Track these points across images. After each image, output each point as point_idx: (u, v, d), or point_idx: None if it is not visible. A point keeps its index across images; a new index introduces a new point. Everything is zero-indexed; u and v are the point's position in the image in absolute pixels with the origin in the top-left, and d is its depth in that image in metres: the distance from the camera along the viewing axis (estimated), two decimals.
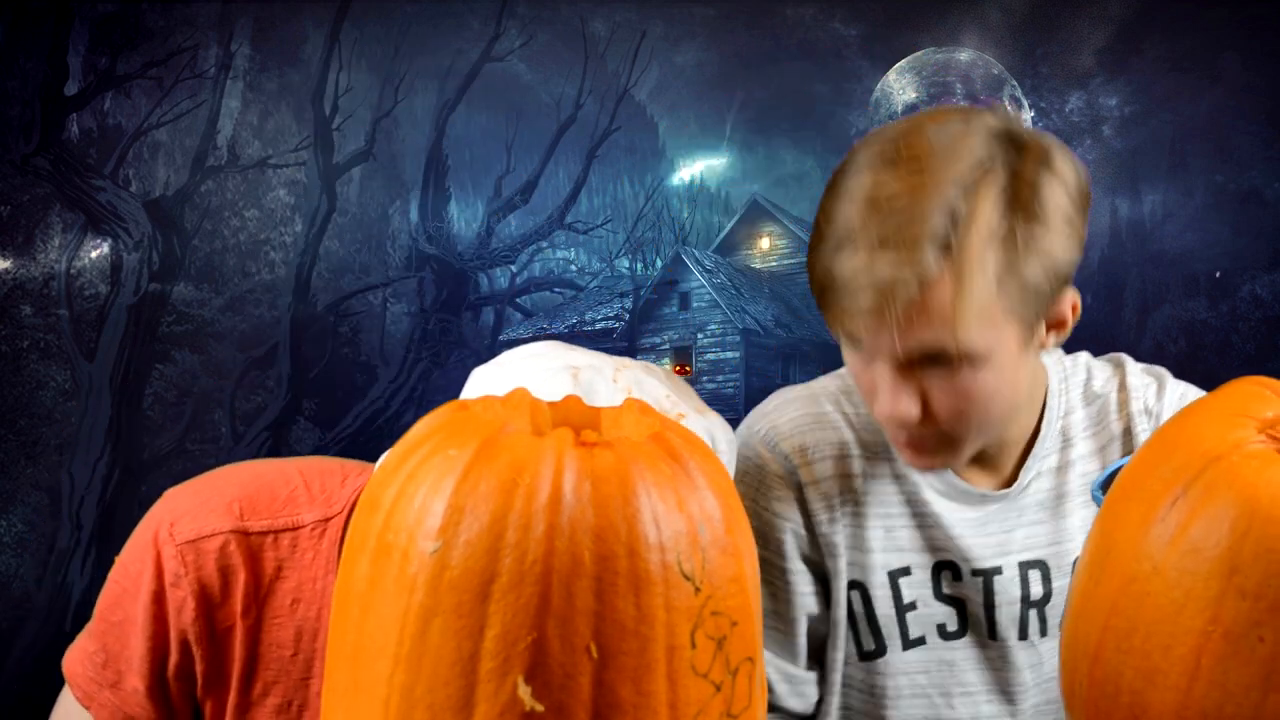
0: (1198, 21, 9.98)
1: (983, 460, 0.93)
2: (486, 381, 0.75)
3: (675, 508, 0.49)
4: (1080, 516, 0.95)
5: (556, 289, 11.06)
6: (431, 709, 0.46)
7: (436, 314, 9.27)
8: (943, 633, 0.94)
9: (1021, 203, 0.77)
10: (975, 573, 0.93)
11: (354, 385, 9.08)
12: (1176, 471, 0.55)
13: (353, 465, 0.91)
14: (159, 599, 0.82)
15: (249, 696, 0.84)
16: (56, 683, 0.88)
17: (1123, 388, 0.97)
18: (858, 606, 0.94)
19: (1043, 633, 0.94)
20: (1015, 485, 0.93)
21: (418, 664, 0.47)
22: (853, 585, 0.94)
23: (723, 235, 12.46)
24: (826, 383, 1.00)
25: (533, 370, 0.73)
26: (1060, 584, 0.94)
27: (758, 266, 12.35)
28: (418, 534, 0.48)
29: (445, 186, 9.75)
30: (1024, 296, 0.78)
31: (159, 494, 0.88)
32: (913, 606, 0.94)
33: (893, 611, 0.94)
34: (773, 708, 0.95)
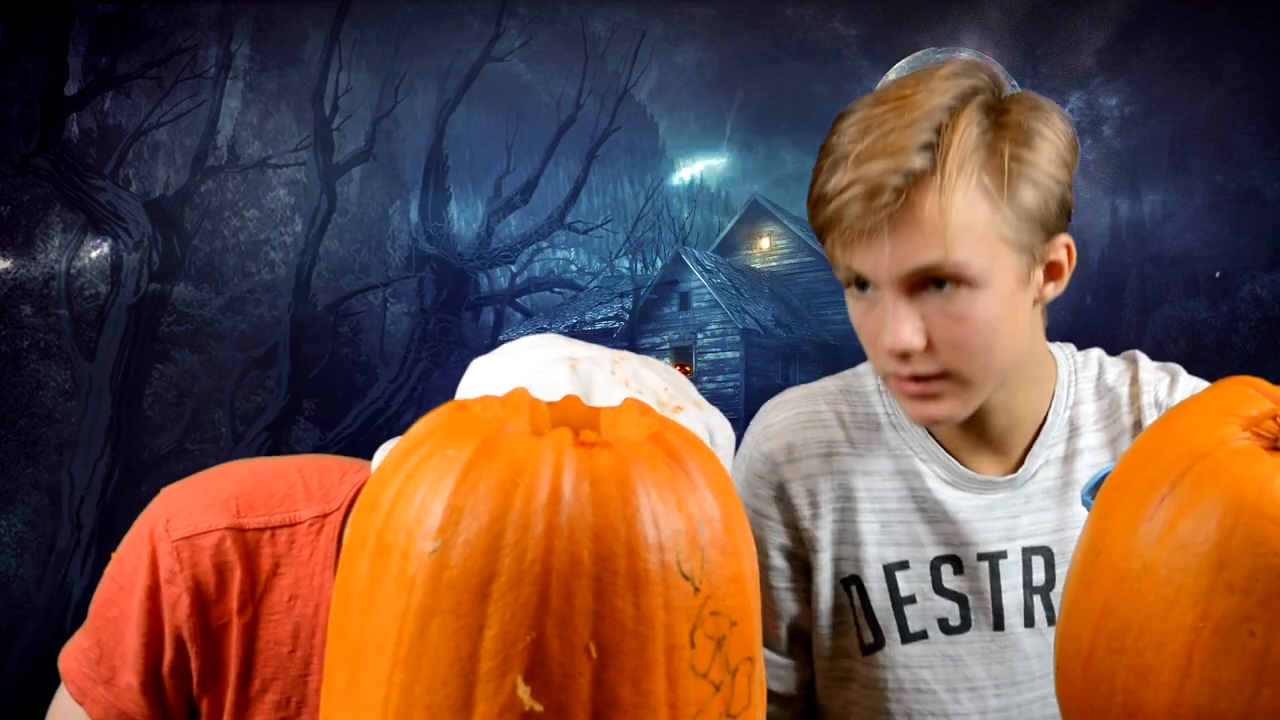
0: (1198, 21, 9.97)
1: (990, 445, 0.94)
2: (486, 372, 0.76)
3: (674, 508, 0.50)
4: None
5: (556, 289, 11.04)
6: (430, 709, 0.47)
7: (436, 314, 9.26)
8: (945, 627, 0.95)
9: (1009, 127, 0.81)
10: (981, 557, 0.94)
11: (354, 385, 9.07)
12: (1163, 470, 0.56)
13: (352, 463, 0.91)
14: (154, 595, 0.82)
15: (247, 694, 0.84)
16: (56, 683, 0.88)
17: (1135, 382, 0.98)
18: (855, 600, 0.96)
19: (1049, 620, 0.94)
20: (1022, 471, 0.94)
21: (416, 664, 0.47)
22: (850, 580, 0.96)
23: (723, 235, 12.45)
24: (827, 383, 1.02)
25: (531, 361, 0.73)
26: (1064, 571, 0.94)
27: (758, 266, 12.34)
28: (417, 534, 0.48)
29: (445, 186, 9.74)
30: (1018, 224, 0.81)
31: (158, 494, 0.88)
32: (911, 600, 0.95)
33: (889, 604, 0.95)
34: None
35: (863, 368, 1.03)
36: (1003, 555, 0.94)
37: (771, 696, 0.98)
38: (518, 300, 10.42)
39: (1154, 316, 10.64)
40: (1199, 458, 0.55)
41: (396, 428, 8.24)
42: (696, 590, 0.49)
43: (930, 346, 0.83)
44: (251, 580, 0.83)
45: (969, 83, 0.82)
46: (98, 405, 7.27)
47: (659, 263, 11.46)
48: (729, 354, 11.12)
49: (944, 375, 0.85)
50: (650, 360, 0.79)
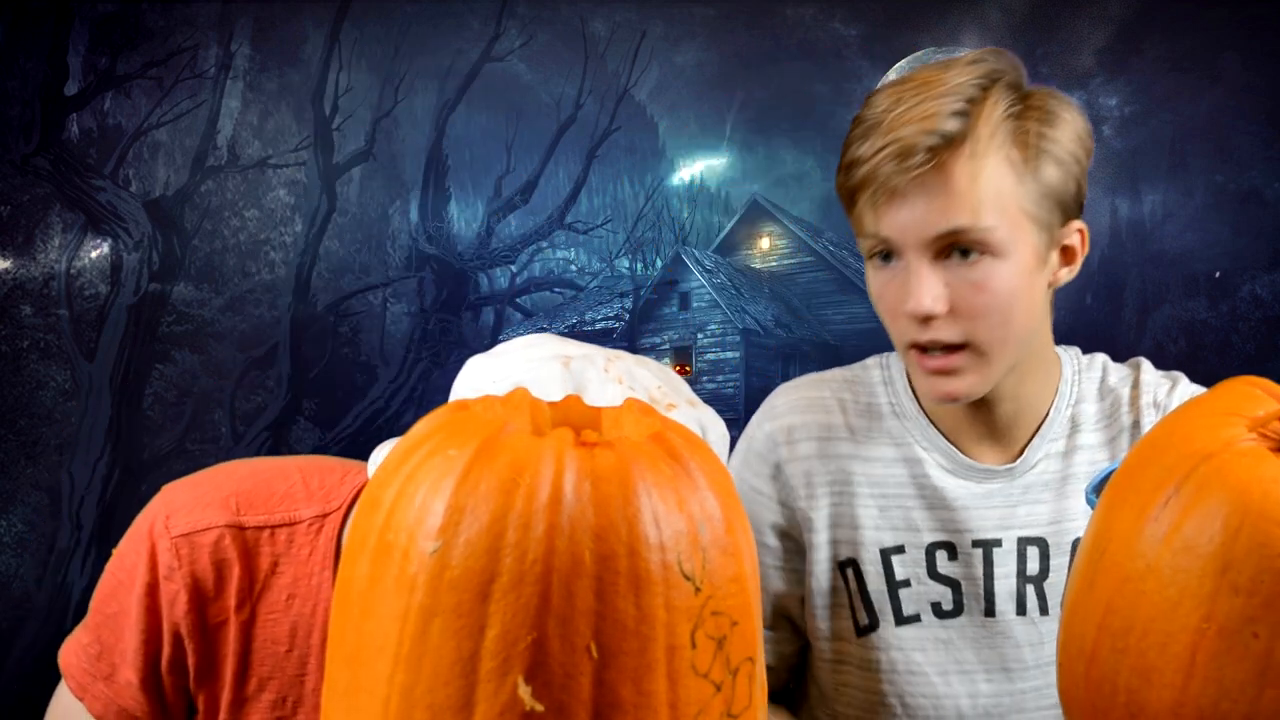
0: (1198, 21, 9.97)
1: (993, 435, 0.97)
2: (480, 371, 0.76)
3: (676, 508, 0.50)
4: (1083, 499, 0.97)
5: (556, 289, 11.05)
6: (431, 709, 0.47)
7: (436, 314, 9.26)
8: (938, 611, 0.97)
9: (1034, 108, 0.86)
10: (976, 543, 0.96)
11: (354, 385, 9.07)
12: (1168, 470, 0.56)
13: (353, 464, 0.91)
14: (152, 592, 0.82)
15: (243, 692, 0.84)
16: (56, 683, 0.88)
17: (1136, 385, 1.00)
18: (851, 583, 0.98)
19: (1042, 610, 0.96)
20: (1021, 462, 0.96)
21: (418, 664, 0.47)
22: (847, 563, 0.98)
23: (723, 235, 12.45)
24: (835, 372, 1.06)
25: (525, 360, 0.74)
26: (1058, 562, 0.96)
27: (758, 266, 12.34)
28: (418, 534, 0.48)
29: (445, 186, 9.74)
30: (1040, 199, 0.85)
31: None
32: (906, 584, 0.97)
33: (884, 587, 0.97)
34: None
35: (870, 360, 1.06)
36: (997, 543, 0.96)
37: None
38: (518, 300, 10.43)
39: (1154, 316, 10.64)
40: (1204, 458, 0.55)
41: (396, 428, 8.24)
42: (698, 590, 0.49)
43: (951, 313, 0.86)
44: (250, 578, 0.83)
45: (996, 66, 0.86)
46: (98, 405, 7.27)
47: (659, 263, 11.46)
48: (729, 354, 11.12)
49: (963, 346, 0.87)
50: (645, 359, 0.79)
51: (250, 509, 0.84)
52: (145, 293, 7.42)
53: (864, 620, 0.97)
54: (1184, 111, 10.39)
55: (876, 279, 0.91)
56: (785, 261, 12.28)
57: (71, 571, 7.03)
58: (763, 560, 1.00)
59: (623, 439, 0.52)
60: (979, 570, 0.96)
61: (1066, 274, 0.93)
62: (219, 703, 0.84)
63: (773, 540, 1.00)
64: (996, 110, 0.84)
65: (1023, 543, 0.96)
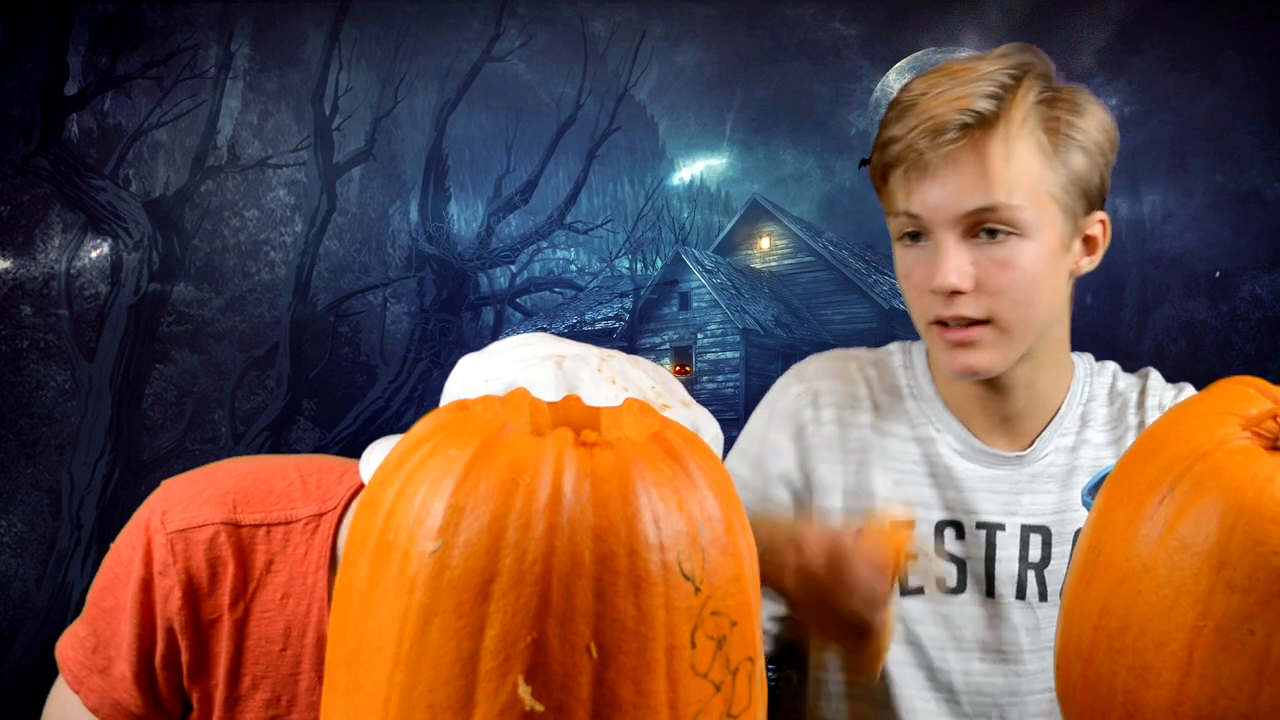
0: (1198, 21, 9.97)
1: (1005, 424, 0.99)
2: (473, 369, 0.76)
3: (675, 508, 0.50)
4: None
5: (556, 289, 11.04)
6: (431, 709, 0.47)
7: (436, 314, 9.26)
8: (941, 587, 0.99)
9: (1063, 100, 0.89)
10: (980, 525, 0.98)
11: (354, 385, 9.07)
12: (1163, 470, 0.56)
13: (352, 464, 0.91)
14: (147, 586, 0.82)
15: (237, 690, 0.84)
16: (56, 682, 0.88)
17: (1143, 391, 1.04)
18: None
19: (1041, 596, 0.98)
20: (1030, 452, 0.99)
21: (418, 664, 0.47)
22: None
23: (723, 235, 12.44)
24: (862, 350, 1.10)
25: (518, 359, 0.74)
26: (1060, 550, 0.99)
27: (758, 266, 12.34)
28: (418, 534, 0.48)
29: (445, 186, 9.74)
30: (1067, 185, 0.89)
31: None
32: (913, 557, 0.98)
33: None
34: None
35: (892, 346, 1.09)
36: (1000, 527, 0.98)
37: None
38: (518, 300, 10.42)
39: (1154, 316, 10.63)
40: (1199, 457, 0.55)
41: (396, 428, 8.23)
42: (697, 590, 0.49)
43: (976, 290, 0.89)
44: (244, 576, 0.83)
45: (1028, 59, 0.90)
46: (98, 405, 7.26)
47: (659, 263, 11.46)
48: (729, 354, 11.12)
49: (985, 322, 0.90)
50: (639, 359, 0.79)
51: (247, 507, 0.84)
52: (145, 293, 7.42)
53: None
54: (1184, 111, 10.39)
55: (905, 257, 0.93)
56: (785, 261, 12.28)
57: (71, 571, 7.03)
58: (770, 513, 1.02)
59: (622, 439, 0.52)
60: (982, 551, 0.98)
61: (1088, 263, 0.95)
62: (213, 700, 0.84)
63: (783, 495, 1.03)
64: (1029, 96, 0.87)
65: (1026, 530, 0.98)
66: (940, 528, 0.99)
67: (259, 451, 8.00)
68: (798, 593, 0.85)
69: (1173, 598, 0.53)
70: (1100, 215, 0.94)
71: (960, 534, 0.99)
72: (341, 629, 0.51)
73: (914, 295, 0.93)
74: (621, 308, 11.23)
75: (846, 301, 11.50)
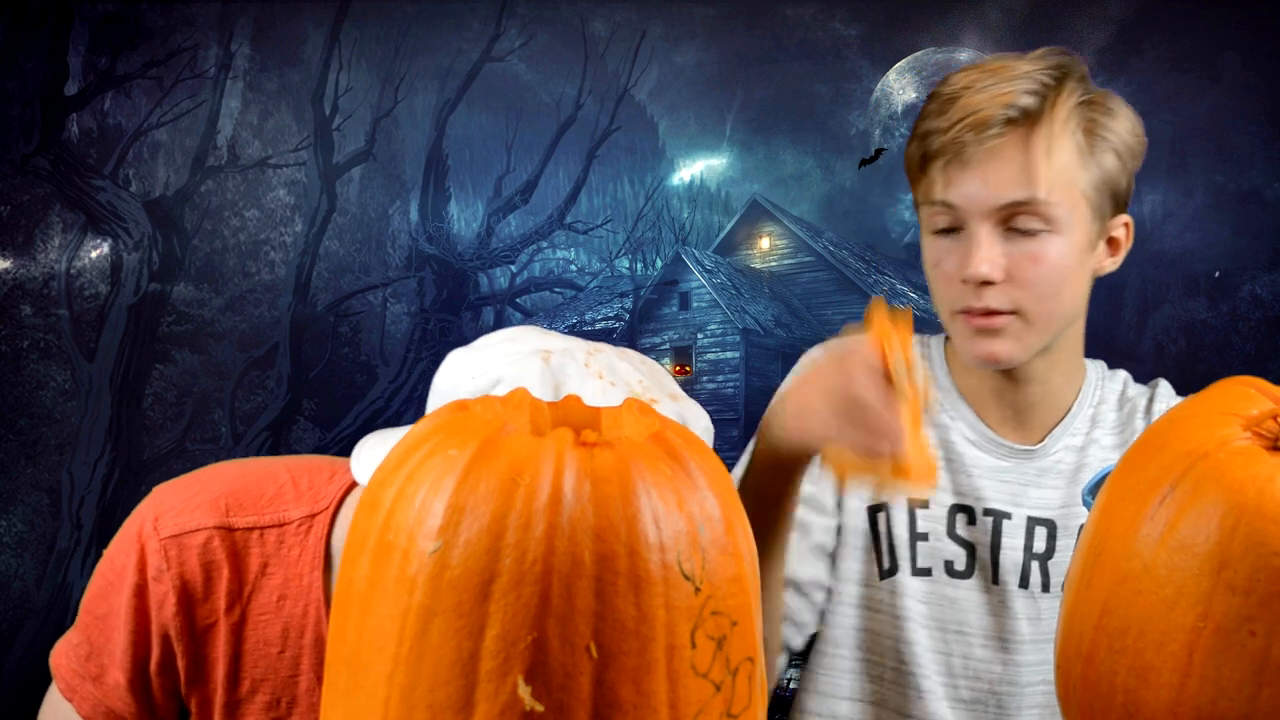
0: (1198, 21, 9.98)
1: (1017, 418, 1.02)
2: (461, 364, 0.76)
3: (675, 508, 0.50)
4: None
5: (556, 289, 11.05)
6: (431, 709, 0.47)
7: (436, 314, 9.26)
8: (950, 569, 1.01)
9: (1098, 102, 0.92)
10: (987, 512, 1.00)
11: (354, 385, 9.07)
12: (1164, 470, 0.56)
13: (342, 463, 0.90)
14: (141, 593, 0.81)
15: (236, 694, 0.84)
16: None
17: (1152, 398, 1.06)
18: (880, 525, 1.02)
19: (1044, 587, 1.00)
20: (1040, 448, 1.01)
21: (417, 664, 0.47)
22: (878, 507, 1.03)
23: (723, 235, 12.45)
24: None
25: (504, 354, 0.73)
26: (1065, 543, 1.00)
27: (758, 266, 12.35)
28: (418, 534, 0.48)
29: (445, 186, 9.75)
30: (1099, 186, 0.91)
31: None
32: (924, 537, 1.01)
33: (907, 535, 1.02)
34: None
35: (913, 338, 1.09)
36: (1007, 516, 1.00)
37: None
38: (518, 300, 10.43)
39: (1154, 316, 10.64)
40: (1200, 458, 0.55)
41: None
42: (697, 590, 0.49)
43: (1005, 282, 0.90)
44: (239, 580, 0.82)
45: (1067, 61, 0.92)
46: (98, 405, 7.27)
47: (659, 263, 11.47)
48: (729, 354, 11.13)
49: (1011, 312, 0.91)
50: (627, 352, 0.79)
51: (239, 510, 0.84)
52: (145, 293, 7.42)
53: (887, 564, 1.02)
54: (1184, 111, 10.40)
55: (935, 247, 0.94)
56: (785, 261, 12.29)
57: (71, 572, 7.03)
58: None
59: (622, 439, 0.52)
60: (988, 538, 1.00)
61: (1111, 264, 0.98)
62: (212, 705, 0.84)
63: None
64: (1072, 97, 0.90)
65: (1032, 521, 1.00)
66: (953, 511, 1.01)
67: (259, 452, 8.01)
68: (816, 420, 0.79)
69: (1173, 598, 0.53)
70: (1125, 218, 0.97)
71: (971, 519, 1.01)
72: (341, 629, 0.51)
73: (942, 284, 0.95)
74: (621, 308, 11.24)
75: (846, 301, 11.51)
